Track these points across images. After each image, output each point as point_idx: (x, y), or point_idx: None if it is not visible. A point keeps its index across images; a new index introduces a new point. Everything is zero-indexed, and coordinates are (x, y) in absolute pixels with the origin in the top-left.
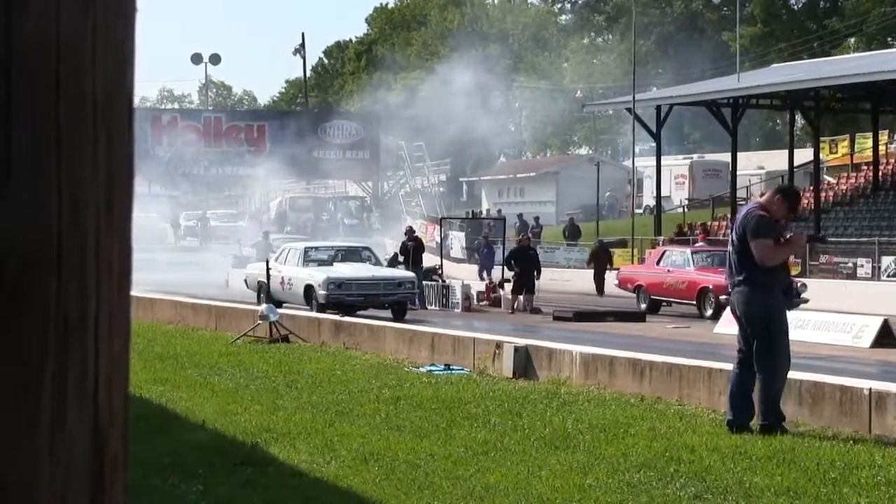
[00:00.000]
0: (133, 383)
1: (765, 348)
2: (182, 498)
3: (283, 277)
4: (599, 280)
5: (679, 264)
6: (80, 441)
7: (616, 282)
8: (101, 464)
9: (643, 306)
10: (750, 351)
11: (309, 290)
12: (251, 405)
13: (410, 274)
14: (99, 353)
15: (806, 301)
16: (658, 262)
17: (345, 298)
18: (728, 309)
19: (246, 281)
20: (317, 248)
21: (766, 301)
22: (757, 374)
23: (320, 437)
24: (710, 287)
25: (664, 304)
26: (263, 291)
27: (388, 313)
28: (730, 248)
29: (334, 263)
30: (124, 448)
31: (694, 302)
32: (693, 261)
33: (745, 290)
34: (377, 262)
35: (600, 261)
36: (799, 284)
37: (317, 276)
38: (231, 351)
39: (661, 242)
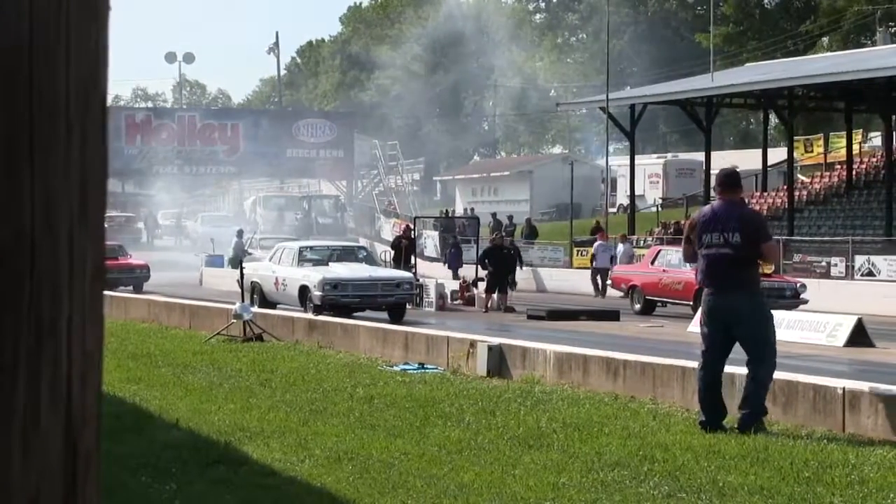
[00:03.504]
0: (106, 382)
1: (770, 348)
2: (155, 497)
3: (277, 278)
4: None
5: (675, 264)
6: (54, 440)
7: (609, 282)
8: (74, 463)
9: (637, 307)
10: (721, 353)
11: (304, 290)
12: (225, 404)
13: (408, 274)
14: (72, 353)
15: (805, 301)
16: (653, 262)
17: (341, 299)
18: (705, 309)
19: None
20: (312, 248)
21: (764, 301)
22: (757, 372)
23: (294, 435)
24: None
25: (659, 304)
26: (257, 292)
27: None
28: (725, 249)
29: (330, 263)
30: (97, 447)
31: (690, 302)
32: None
33: (749, 291)
34: (373, 262)
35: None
36: (798, 285)
37: (312, 276)
38: (205, 350)
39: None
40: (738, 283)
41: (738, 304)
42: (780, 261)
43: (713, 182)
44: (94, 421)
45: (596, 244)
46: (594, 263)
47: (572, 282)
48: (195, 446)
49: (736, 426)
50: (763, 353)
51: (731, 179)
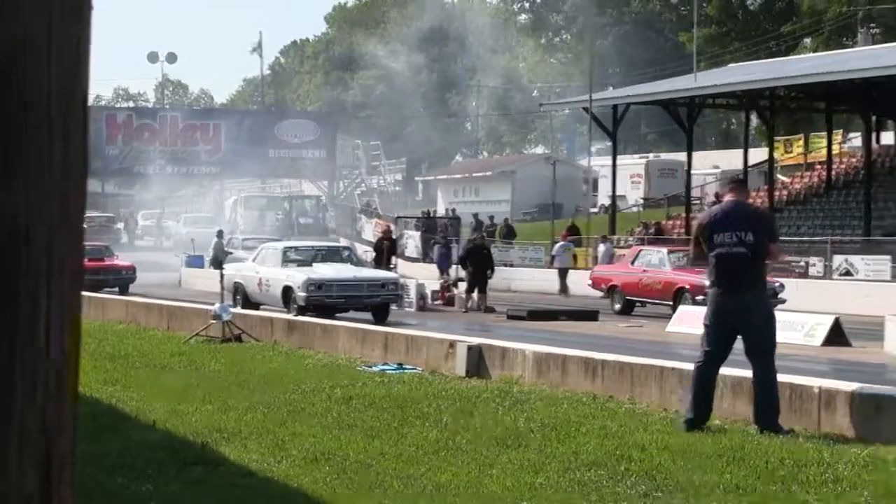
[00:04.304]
0: (83, 383)
1: (773, 347)
2: (131, 497)
3: (260, 278)
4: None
5: (655, 264)
6: (29, 441)
7: (589, 282)
8: (49, 463)
9: (617, 307)
10: (723, 352)
11: (287, 291)
12: (202, 405)
13: (393, 275)
14: (49, 353)
15: (784, 301)
16: (633, 262)
17: (325, 300)
18: (713, 308)
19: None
20: (296, 248)
21: (769, 301)
22: (765, 376)
23: (271, 436)
24: (688, 287)
25: (639, 304)
26: (241, 292)
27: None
28: (739, 248)
29: (314, 264)
30: (73, 447)
31: (670, 303)
32: (669, 261)
33: (760, 290)
34: (358, 263)
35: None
36: (777, 285)
37: (296, 276)
38: (183, 351)
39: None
40: (751, 282)
41: (749, 303)
42: None
43: (690, 181)
44: (70, 421)
45: (557, 245)
46: (554, 264)
47: (554, 282)
48: (172, 447)
49: (761, 429)
50: (768, 353)
51: (743, 183)
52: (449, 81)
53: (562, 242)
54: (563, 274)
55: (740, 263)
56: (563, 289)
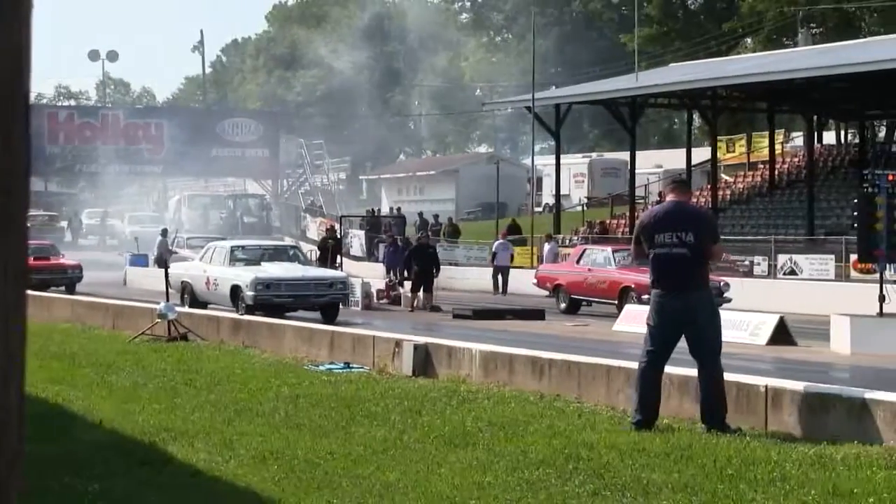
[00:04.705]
0: (29, 383)
1: (719, 346)
2: (78, 498)
3: (208, 278)
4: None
5: (600, 263)
6: None
7: (534, 281)
8: None
9: (563, 306)
10: (668, 352)
11: (236, 290)
12: (149, 404)
13: (342, 274)
14: None
15: (729, 300)
16: (578, 261)
17: (273, 299)
18: (656, 308)
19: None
20: (243, 248)
21: (714, 300)
22: (711, 374)
23: (219, 435)
24: (633, 286)
25: (584, 303)
26: (188, 292)
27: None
28: (680, 249)
29: (262, 263)
30: (21, 448)
31: (615, 301)
32: (614, 259)
33: (703, 290)
34: (306, 262)
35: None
36: (721, 284)
37: (244, 276)
38: (129, 350)
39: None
40: (694, 282)
41: (694, 303)
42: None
43: (633, 181)
44: (17, 421)
45: (496, 243)
46: (494, 262)
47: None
48: (119, 447)
49: (708, 428)
50: (714, 352)
51: (685, 184)
52: (392, 80)
53: (501, 240)
54: (504, 272)
55: (681, 264)
56: (502, 288)
